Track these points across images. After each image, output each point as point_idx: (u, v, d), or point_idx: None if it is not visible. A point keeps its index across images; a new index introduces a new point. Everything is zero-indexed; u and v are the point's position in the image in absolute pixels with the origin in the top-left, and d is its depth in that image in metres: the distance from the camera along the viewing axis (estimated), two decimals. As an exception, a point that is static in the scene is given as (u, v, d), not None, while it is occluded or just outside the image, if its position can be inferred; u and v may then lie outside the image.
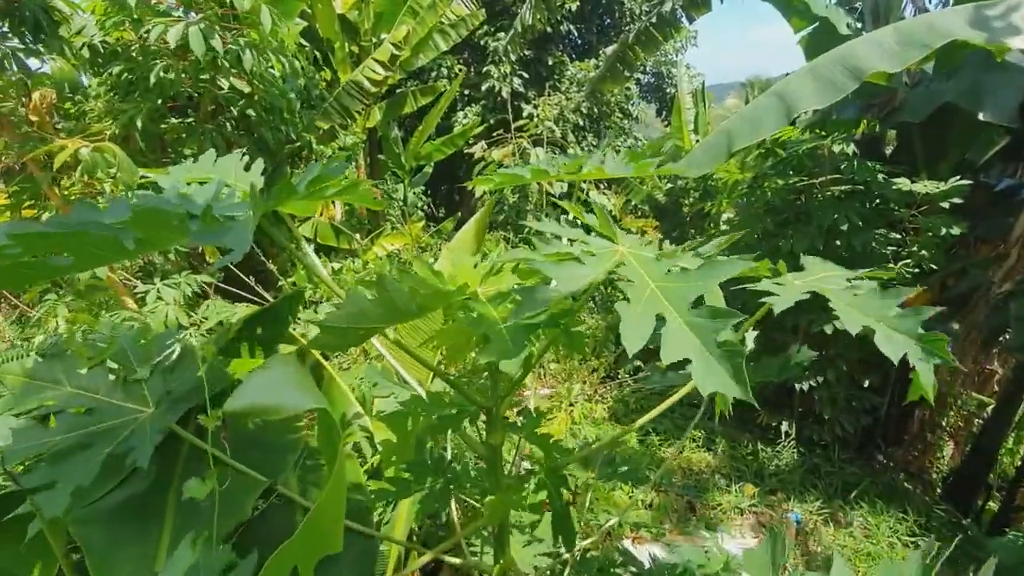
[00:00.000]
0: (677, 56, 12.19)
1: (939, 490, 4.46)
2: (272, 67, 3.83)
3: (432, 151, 6.92)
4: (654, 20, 6.63)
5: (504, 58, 7.94)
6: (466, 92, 10.41)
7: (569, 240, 0.86)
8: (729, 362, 0.53)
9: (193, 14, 3.19)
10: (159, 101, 3.25)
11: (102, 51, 3.32)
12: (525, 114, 9.64)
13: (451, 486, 0.93)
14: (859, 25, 4.54)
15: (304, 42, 4.34)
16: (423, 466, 0.95)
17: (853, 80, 3.07)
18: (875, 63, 3.02)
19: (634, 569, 1.76)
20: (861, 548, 3.63)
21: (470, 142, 7.99)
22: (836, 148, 3.78)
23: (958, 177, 3.74)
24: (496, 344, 0.60)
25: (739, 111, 3.36)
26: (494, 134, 8.72)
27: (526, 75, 10.02)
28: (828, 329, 3.84)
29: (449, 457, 1.43)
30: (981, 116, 3.63)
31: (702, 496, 4.12)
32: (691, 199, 6.73)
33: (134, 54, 3.17)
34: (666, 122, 12.20)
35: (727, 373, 0.52)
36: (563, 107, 9.77)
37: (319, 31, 5.41)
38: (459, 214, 8.17)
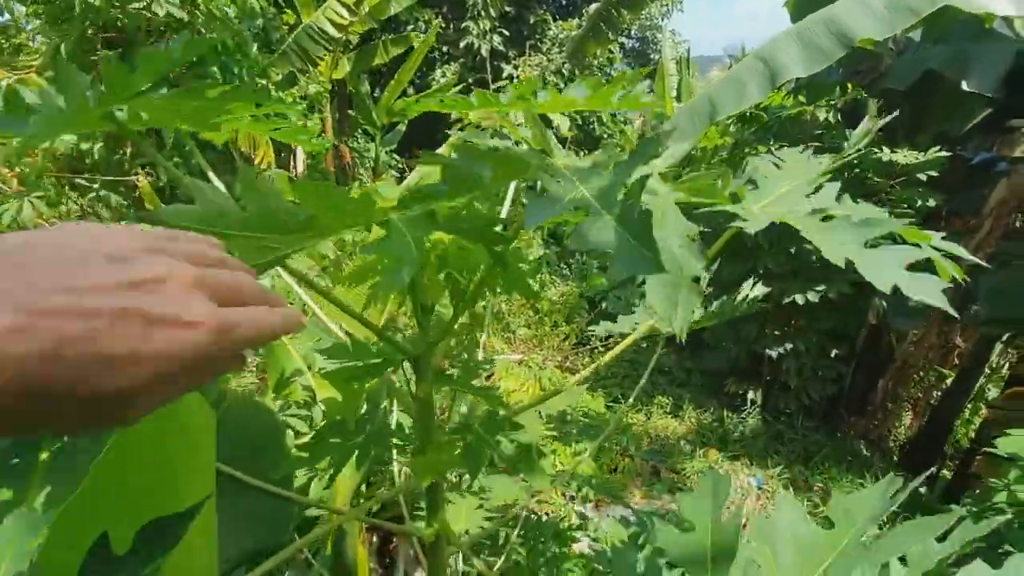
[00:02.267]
0: (662, 21, 11.89)
1: (896, 457, 4.58)
2: (225, 5, 3.52)
3: (406, 107, 6.60)
4: (640, -23, 6.37)
5: (483, 14, 7.59)
6: (444, 49, 9.98)
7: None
8: (646, 243, 0.39)
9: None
10: (88, 30, 2.94)
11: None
12: (504, 74, 9.32)
13: (371, 445, 0.80)
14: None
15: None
16: (342, 426, 0.83)
17: (841, 47, 2.95)
18: (863, 29, 2.90)
19: (591, 533, 1.71)
20: (819, 511, 3.70)
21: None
22: (820, 115, 3.68)
23: (937, 148, 3.69)
24: (393, 238, 0.47)
25: (724, 76, 3.21)
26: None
27: (507, 33, 9.63)
28: (800, 299, 3.81)
29: (390, 417, 1.32)
30: (965, 85, 3.56)
31: (667, 461, 4.14)
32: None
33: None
34: (649, 89, 11.96)
35: (644, 254, 0.38)
36: (544, 68, 9.46)
37: (282, -31, 5.02)
38: (433, 176, 7.92)
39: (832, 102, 3.73)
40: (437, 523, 0.85)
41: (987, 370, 4.74)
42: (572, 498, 3.16)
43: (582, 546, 1.90)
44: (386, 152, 8.06)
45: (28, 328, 0.24)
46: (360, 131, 7.00)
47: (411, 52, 6.74)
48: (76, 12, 2.75)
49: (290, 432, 1.21)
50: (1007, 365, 4.48)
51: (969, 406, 4.82)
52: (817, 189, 0.81)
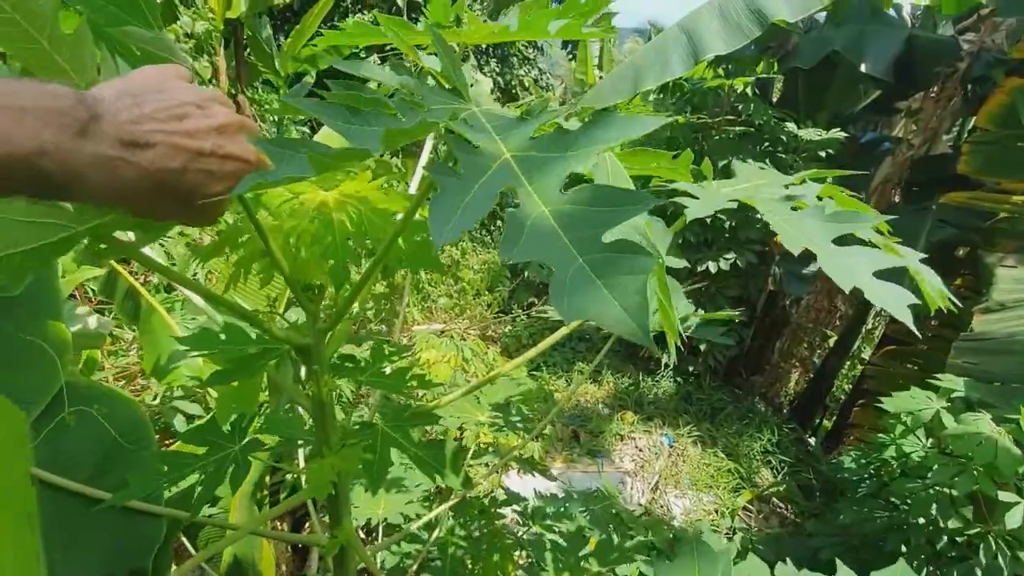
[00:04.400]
0: (585, -16, 11.76)
1: (786, 411, 5.04)
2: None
3: (314, 55, 6.04)
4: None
5: (400, -43, 7.07)
6: (357, -6, 9.22)
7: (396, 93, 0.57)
8: (614, 278, 0.31)
9: None
10: None
11: None
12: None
13: (248, 453, 0.66)
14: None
15: None
16: (213, 430, 0.68)
17: (758, 26, 3.04)
18: (778, 9, 3.00)
19: (518, 508, 1.67)
20: (723, 465, 3.99)
21: (360, 53, 7.13)
22: (738, 87, 3.78)
23: (837, 129, 3.94)
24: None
25: (648, 45, 3.19)
26: (387, 48, 7.87)
27: (425, -17, 9.08)
28: (712, 267, 3.99)
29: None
30: (863, 67, 3.80)
31: (586, 425, 4.26)
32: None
33: None
34: (571, 56, 11.88)
35: (608, 296, 0.30)
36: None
37: None
38: (346, 134, 7.41)
39: (751, 77, 3.85)
40: (341, 534, 0.73)
41: (863, 331, 5.30)
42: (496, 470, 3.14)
43: (508, 522, 1.88)
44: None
45: (169, 152, 0.40)
46: (261, 81, 6.33)
47: (319, -5, 6.13)
48: None
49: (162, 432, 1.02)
50: (882, 327, 5.02)
51: (848, 363, 5.40)
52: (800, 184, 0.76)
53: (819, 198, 0.77)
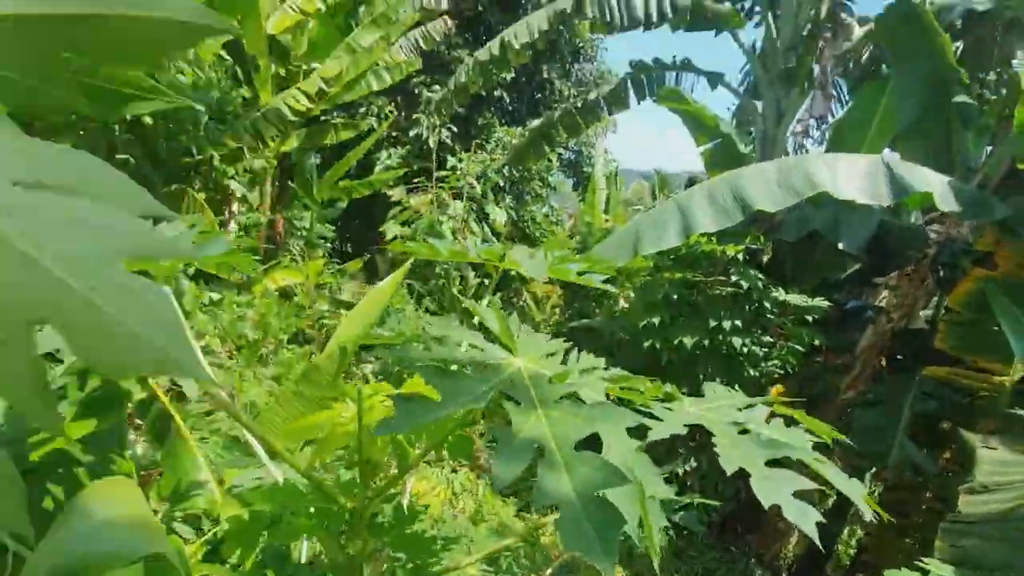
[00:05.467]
0: (596, 139, 13.17)
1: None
2: (183, 74, 3.55)
3: (350, 188, 6.72)
4: (579, 106, 7.12)
5: (435, 113, 8.11)
6: (392, 133, 10.37)
7: (468, 345, 0.81)
8: (601, 527, 0.49)
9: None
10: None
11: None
12: (449, 165, 9.77)
13: None
14: (751, 149, 5.18)
15: (225, 55, 4.09)
16: None
17: (741, 212, 3.51)
18: (760, 200, 3.48)
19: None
20: (716, 637, 3.74)
21: (390, 184, 7.89)
22: (729, 252, 4.18)
23: (821, 298, 4.26)
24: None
25: (648, 213, 3.66)
26: (415, 180, 8.68)
27: (455, 129, 10.23)
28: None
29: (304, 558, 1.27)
30: (840, 245, 4.22)
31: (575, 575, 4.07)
32: (595, 274, 7.07)
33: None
34: (581, 197, 12.96)
35: (595, 538, 0.48)
36: (486, 166, 10.04)
37: (244, 46, 5.16)
38: (366, 256, 7.91)
39: (738, 245, 4.27)
40: None
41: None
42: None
43: None
44: (321, 226, 8.01)
45: None
46: (299, 202, 6.97)
47: (362, 136, 6.97)
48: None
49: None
50: (877, 493, 4.95)
51: (848, 528, 5.22)
52: (749, 407, 0.96)
53: (772, 416, 0.96)
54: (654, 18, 5.83)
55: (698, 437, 4.60)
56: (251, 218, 4.81)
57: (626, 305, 5.98)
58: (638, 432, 0.74)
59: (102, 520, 0.57)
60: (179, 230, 0.82)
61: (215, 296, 3.41)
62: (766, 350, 4.31)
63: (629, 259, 3.47)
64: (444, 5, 5.22)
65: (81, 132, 2.97)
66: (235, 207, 4.43)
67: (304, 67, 5.91)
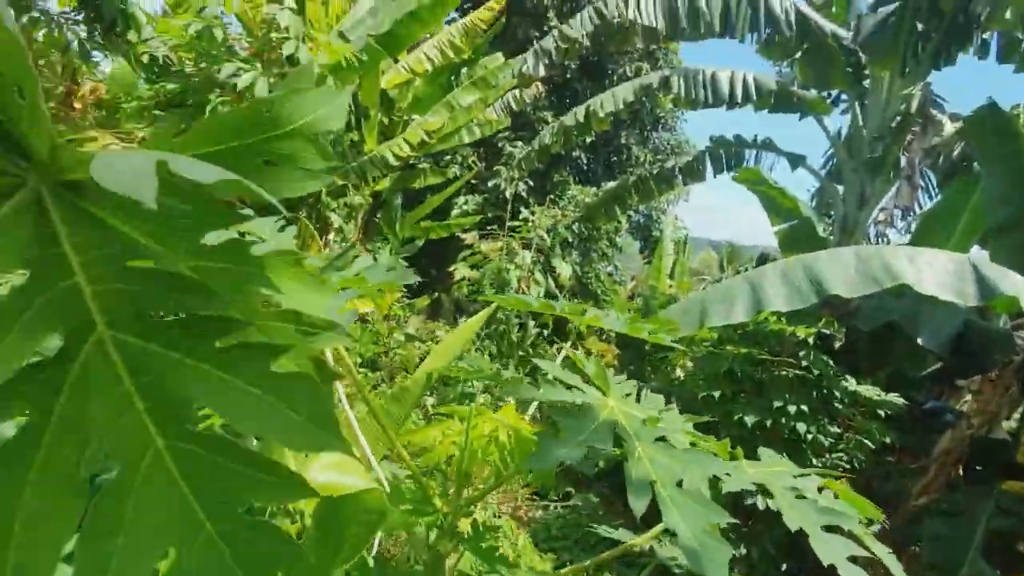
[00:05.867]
0: (668, 205, 13.30)
1: None
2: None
3: (429, 228, 7.19)
4: (655, 173, 7.34)
5: (516, 168, 8.59)
6: (472, 181, 10.99)
7: (567, 385, 0.98)
8: (715, 554, 0.62)
9: (259, 64, 3.45)
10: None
11: (160, 64, 3.49)
12: (521, 216, 10.19)
13: None
14: (829, 233, 5.16)
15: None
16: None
17: (816, 295, 3.51)
18: (836, 286, 3.46)
19: None
20: None
21: (464, 228, 8.34)
22: (800, 334, 4.12)
23: (896, 394, 4.10)
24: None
25: (716, 285, 3.73)
26: (488, 227, 9.11)
27: (531, 183, 10.71)
28: (760, 504, 3.95)
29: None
30: (920, 340, 4.07)
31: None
32: (656, 338, 7.04)
33: (195, 79, 3.35)
34: (647, 260, 13.01)
35: (716, 564, 0.61)
36: (558, 221, 10.38)
37: (360, 98, 5.80)
38: (435, 293, 8.29)
39: (809, 327, 4.20)
40: None
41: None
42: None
43: None
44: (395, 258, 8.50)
45: None
46: (381, 236, 7.50)
47: (447, 181, 7.48)
48: (207, 110, 3.19)
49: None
50: (949, 615, 4.50)
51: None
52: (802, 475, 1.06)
53: (820, 489, 1.05)
54: (739, 99, 6.03)
55: (750, 523, 4.42)
56: (345, 248, 5.27)
57: (682, 375, 5.92)
58: (714, 483, 0.87)
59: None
60: (368, 262, 1.05)
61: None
62: (832, 440, 4.15)
63: (694, 330, 3.52)
64: (541, 72, 5.68)
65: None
66: (331, 236, 4.89)
67: (405, 118, 6.52)
